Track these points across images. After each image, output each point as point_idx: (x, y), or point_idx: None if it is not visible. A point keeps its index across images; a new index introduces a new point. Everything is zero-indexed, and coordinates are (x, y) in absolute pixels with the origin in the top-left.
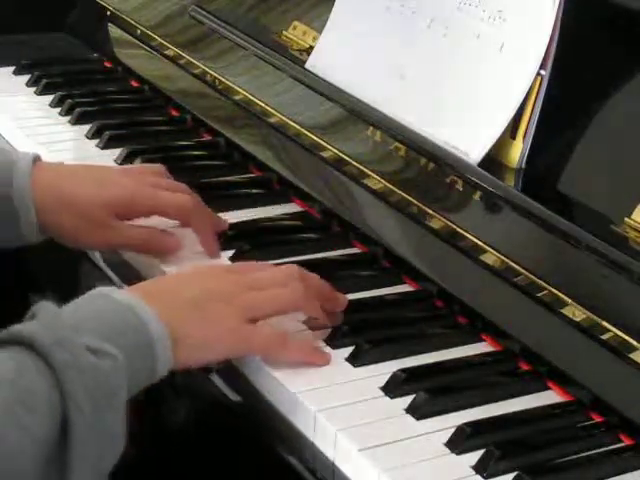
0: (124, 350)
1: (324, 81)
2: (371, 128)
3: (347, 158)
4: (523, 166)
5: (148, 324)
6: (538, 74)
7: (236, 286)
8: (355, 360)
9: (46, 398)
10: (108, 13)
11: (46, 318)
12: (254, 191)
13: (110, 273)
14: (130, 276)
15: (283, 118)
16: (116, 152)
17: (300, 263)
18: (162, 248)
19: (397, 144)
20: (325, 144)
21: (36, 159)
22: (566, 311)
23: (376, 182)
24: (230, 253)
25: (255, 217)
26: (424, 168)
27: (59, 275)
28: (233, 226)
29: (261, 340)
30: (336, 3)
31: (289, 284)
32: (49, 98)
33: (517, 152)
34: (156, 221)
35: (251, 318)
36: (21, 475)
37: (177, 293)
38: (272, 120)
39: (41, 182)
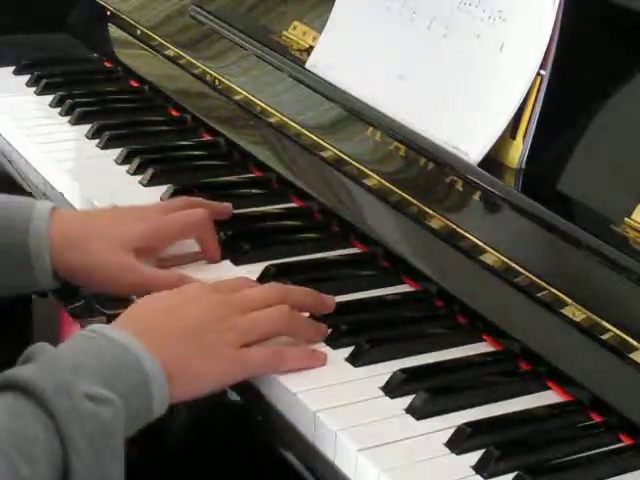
0: (121, 393)
1: (324, 81)
2: (371, 128)
3: (347, 158)
4: (523, 166)
5: (143, 363)
6: (538, 74)
7: (227, 309)
8: (355, 360)
9: (45, 447)
10: (108, 13)
11: (44, 361)
12: (254, 191)
13: None
14: None
15: (283, 118)
16: (116, 152)
17: (300, 263)
18: None
19: (397, 144)
20: (325, 144)
21: (54, 207)
22: (566, 311)
23: (376, 182)
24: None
25: (255, 217)
26: (424, 168)
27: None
28: (233, 226)
29: (258, 362)
30: (336, 3)
31: (275, 304)
32: (49, 98)
33: (517, 152)
34: None
35: (246, 343)
36: None
37: (169, 325)
38: (272, 120)
39: (57, 228)
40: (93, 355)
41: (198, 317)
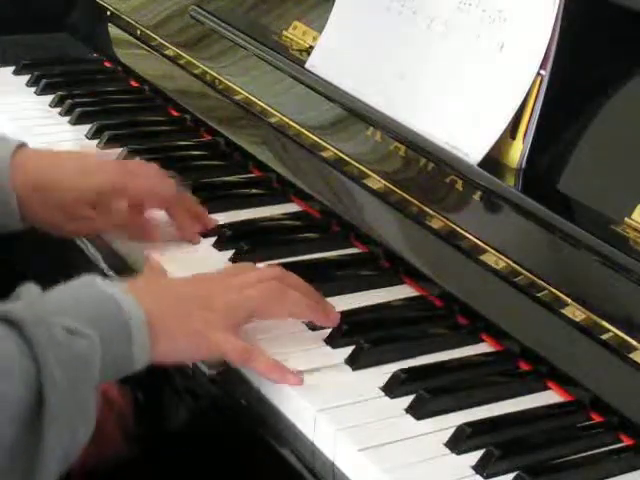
0: (100, 331)
1: (324, 81)
2: (371, 128)
3: (347, 158)
4: (523, 166)
5: (126, 309)
6: (538, 74)
7: (212, 290)
8: (355, 361)
9: (20, 365)
10: (108, 13)
11: (28, 299)
12: (254, 191)
13: (102, 265)
14: (119, 265)
15: (283, 118)
16: (116, 152)
17: (300, 263)
18: (140, 234)
19: (397, 144)
20: (325, 144)
21: (20, 145)
22: (566, 311)
23: (376, 182)
24: (229, 254)
25: (255, 217)
26: (424, 168)
27: (47, 266)
28: (233, 226)
29: (227, 350)
30: (336, 3)
31: (258, 285)
32: (49, 98)
33: (517, 152)
34: None
35: (233, 323)
36: None
37: (165, 290)
38: (272, 120)
39: (22, 170)
40: (77, 299)
41: (192, 292)
